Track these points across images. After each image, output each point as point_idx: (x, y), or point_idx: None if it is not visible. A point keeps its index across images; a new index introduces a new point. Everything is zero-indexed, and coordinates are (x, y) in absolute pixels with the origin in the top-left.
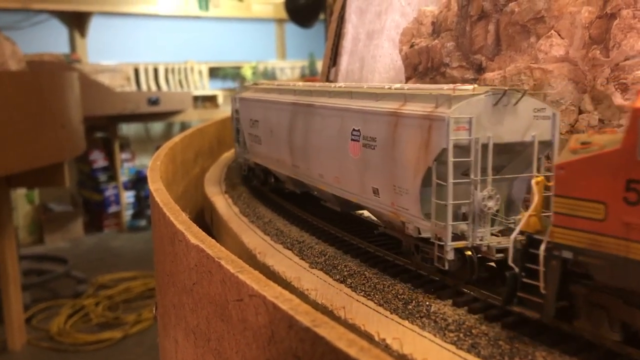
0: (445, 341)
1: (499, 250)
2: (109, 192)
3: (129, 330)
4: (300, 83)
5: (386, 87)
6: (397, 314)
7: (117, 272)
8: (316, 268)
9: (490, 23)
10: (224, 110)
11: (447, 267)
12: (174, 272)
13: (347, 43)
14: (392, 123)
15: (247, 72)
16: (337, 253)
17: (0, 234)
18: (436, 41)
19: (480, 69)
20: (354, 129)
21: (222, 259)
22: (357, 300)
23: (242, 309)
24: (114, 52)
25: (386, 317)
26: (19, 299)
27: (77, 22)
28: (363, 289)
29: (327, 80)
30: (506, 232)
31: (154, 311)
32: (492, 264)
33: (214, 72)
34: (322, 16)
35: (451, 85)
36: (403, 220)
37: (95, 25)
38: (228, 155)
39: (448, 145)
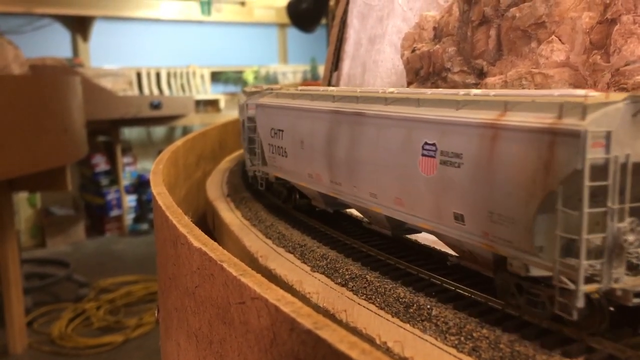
0: (446, 344)
1: (636, 295)
2: (111, 195)
3: (130, 334)
4: (339, 87)
5: (461, 93)
6: (398, 317)
7: (118, 275)
8: (318, 271)
9: (492, 28)
10: (226, 115)
11: (575, 317)
12: (176, 275)
13: (349, 48)
14: (487, 137)
15: (249, 77)
16: (339, 257)
17: (2, 237)
18: (438, 46)
19: (481, 74)
20: (426, 143)
21: (225, 262)
22: (359, 304)
23: (244, 312)
24: (116, 56)
25: (387, 320)
26: (21, 302)
27: (79, 26)
28: (364, 292)
29: (329, 84)
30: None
31: (155, 314)
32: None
33: (216, 77)
34: (324, 21)
35: (572, 91)
36: (503, 254)
37: (97, 30)
38: (230, 159)
39: (584, 166)
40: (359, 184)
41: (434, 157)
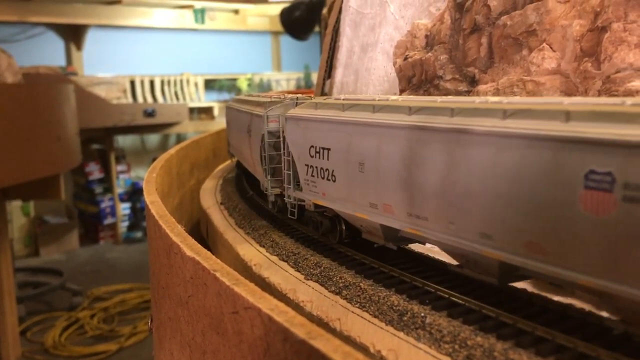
0: (440, 352)
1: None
2: (105, 204)
3: (124, 342)
4: (414, 97)
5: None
6: (392, 326)
7: (112, 284)
8: (311, 280)
9: (483, 36)
10: (220, 122)
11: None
12: (169, 284)
13: (341, 56)
14: None
15: (243, 84)
16: (333, 265)
17: None
18: (430, 54)
19: (473, 82)
20: (593, 172)
21: (218, 271)
22: (353, 312)
23: (238, 322)
24: (110, 64)
25: (381, 328)
26: (14, 311)
27: (73, 35)
28: (358, 300)
29: (322, 92)
30: None
31: (149, 324)
32: None
33: (210, 84)
34: (317, 29)
35: None
36: None
37: (91, 38)
38: (223, 167)
39: None
40: (460, 220)
41: (609, 191)
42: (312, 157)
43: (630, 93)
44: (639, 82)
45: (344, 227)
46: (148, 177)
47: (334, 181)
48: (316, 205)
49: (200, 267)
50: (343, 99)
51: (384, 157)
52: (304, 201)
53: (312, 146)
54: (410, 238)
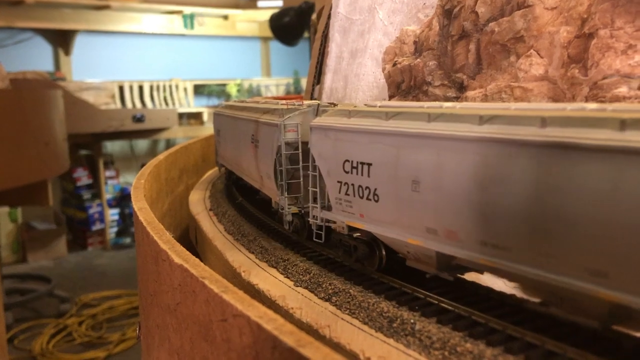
0: (430, 359)
1: None
2: (93, 209)
3: (112, 349)
4: (479, 104)
5: None
6: (382, 332)
7: (101, 290)
8: (301, 286)
9: (471, 42)
10: (209, 127)
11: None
12: (157, 291)
13: (330, 61)
14: None
15: (232, 90)
16: (322, 271)
17: None
18: (418, 60)
19: (461, 88)
20: None
21: (206, 278)
22: (342, 319)
23: (226, 330)
24: (98, 70)
25: (371, 335)
26: (1, 318)
27: (61, 40)
28: (348, 307)
29: (312, 98)
30: None
31: (137, 331)
32: None
33: (199, 90)
34: (306, 34)
35: None
36: None
37: (79, 43)
38: (213, 172)
39: None
40: (562, 253)
41: None
42: (346, 172)
43: (617, 99)
44: (625, 88)
45: (383, 253)
46: (136, 183)
47: (377, 201)
48: (350, 228)
49: (189, 274)
50: (380, 106)
51: (447, 175)
52: (332, 222)
53: (347, 160)
54: (470, 267)
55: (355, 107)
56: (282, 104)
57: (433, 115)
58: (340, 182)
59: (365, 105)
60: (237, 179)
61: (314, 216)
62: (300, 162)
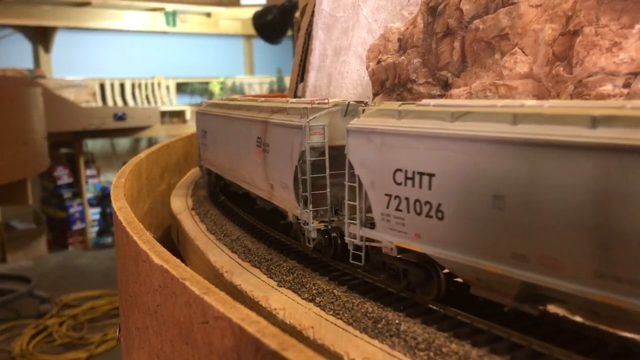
0: None
1: None
2: (74, 209)
3: (94, 350)
4: (575, 102)
5: None
6: (366, 333)
7: (82, 290)
8: (284, 286)
9: (456, 40)
10: (192, 126)
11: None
12: (137, 293)
13: (314, 59)
14: None
15: (215, 88)
16: (306, 271)
17: None
18: (403, 57)
19: (446, 85)
20: None
21: (187, 279)
22: (326, 320)
23: (208, 332)
24: (79, 67)
25: (355, 336)
26: None
27: (41, 37)
28: (332, 307)
29: (295, 96)
30: None
31: (117, 333)
32: None
33: (182, 88)
34: (289, 32)
35: None
36: None
37: (59, 41)
38: (195, 171)
39: None
40: None
41: None
42: (398, 184)
43: (602, 97)
44: (610, 86)
45: (442, 277)
46: (116, 182)
47: (441, 218)
48: (400, 249)
49: (169, 275)
50: (435, 105)
51: (547, 190)
52: (376, 242)
53: (400, 170)
54: (558, 298)
55: (401, 106)
56: (304, 102)
57: (520, 116)
58: (389, 196)
59: (416, 104)
60: (226, 185)
61: (351, 234)
62: (327, 170)
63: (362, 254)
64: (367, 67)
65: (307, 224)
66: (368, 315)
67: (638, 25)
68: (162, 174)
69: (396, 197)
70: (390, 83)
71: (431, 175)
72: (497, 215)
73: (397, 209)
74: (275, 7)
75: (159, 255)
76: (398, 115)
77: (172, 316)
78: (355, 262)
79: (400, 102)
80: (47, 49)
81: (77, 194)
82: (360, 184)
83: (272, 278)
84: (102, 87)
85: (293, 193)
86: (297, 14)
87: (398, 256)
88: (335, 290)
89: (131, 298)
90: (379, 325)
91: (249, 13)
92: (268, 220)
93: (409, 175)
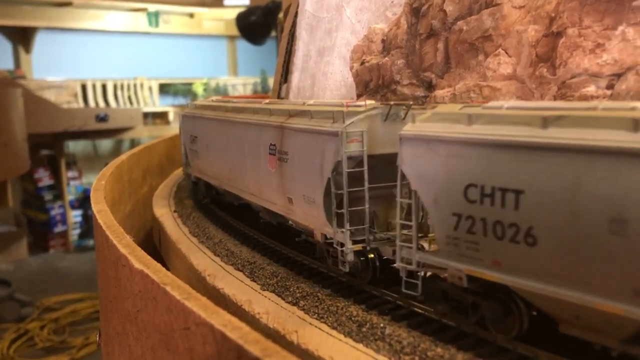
0: None
1: None
2: (55, 211)
3: (75, 354)
4: None
5: None
6: (351, 337)
7: (63, 293)
8: (268, 290)
9: (439, 41)
10: (175, 127)
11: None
12: (117, 297)
13: (298, 60)
14: None
15: (199, 89)
16: (290, 274)
17: None
18: (386, 58)
19: (430, 87)
20: None
21: (168, 284)
22: (310, 324)
23: (189, 338)
24: (60, 68)
25: (340, 340)
26: None
27: (21, 37)
28: (316, 311)
29: (279, 97)
30: None
31: (97, 338)
32: None
33: (165, 89)
34: (273, 33)
35: None
36: None
37: (40, 41)
38: (178, 173)
39: None
40: None
41: None
42: (471, 202)
43: (585, 98)
44: (593, 87)
45: (525, 314)
46: (96, 184)
47: (531, 244)
48: (471, 279)
49: (150, 280)
50: (509, 108)
51: None
52: (438, 269)
53: (474, 185)
54: None
55: (462, 109)
56: (333, 105)
57: None
58: (459, 215)
59: (481, 107)
60: (218, 195)
61: (404, 259)
62: (366, 184)
63: (419, 282)
64: (351, 68)
65: (343, 246)
66: (352, 318)
67: (621, 26)
68: (144, 176)
69: (468, 217)
70: (374, 84)
71: (518, 192)
72: (614, 242)
73: (470, 232)
74: (259, 8)
75: (139, 260)
76: (468, 120)
77: (152, 322)
78: (409, 292)
79: (462, 105)
80: (28, 50)
81: (59, 196)
82: (417, 201)
83: (255, 281)
84: (83, 88)
85: (322, 209)
86: (281, 15)
87: (467, 287)
88: (319, 294)
89: (111, 303)
90: (364, 329)
91: (233, 14)
92: (270, 232)
93: (487, 191)
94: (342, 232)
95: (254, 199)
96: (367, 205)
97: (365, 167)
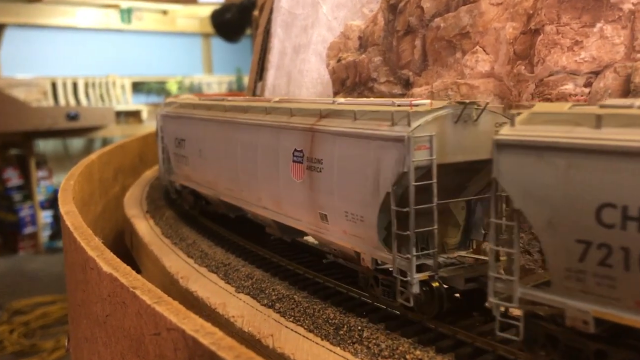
0: None
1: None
2: (25, 212)
3: (46, 358)
4: None
5: None
6: (328, 340)
7: (33, 296)
8: (243, 292)
9: (417, 38)
10: (148, 126)
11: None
12: (85, 302)
13: (273, 57)
14: None
15: (173, 87)
16: (265, 276)
17: None
18: (363, 56)
19: (407, 84)
20: None
21: (138, 288)
22: (286, 327)
23: (160, 344)
24: (29, 65)
25: (317, 344)
26: None
27: None
28: (292, 314)
29: (254, 95)
30: None
31: (66, 344)
32: None
33: (138, 87)
34: (248, 31)
35: None
36: None
37: (9, 38)
38: (151, 172)
39: None
40: None
41: None
42: (606, 226)
43: (563, 96)
44: (571, 85)
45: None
46: (65, 184)
47: None
48: (599, 322)
49: (119, 283)
50: None
51: None
52: (552, 309)
53: (610, 205)
54: None
55: (572, 108)
56: (384, 104)
57: None
58: (587, 243)
59: (600, 105)
60: (207, 204)
61: (499, 294)
62: (435, 199)
63: (520, 324)
64: (327, 66)
65: (408, 275)
66: (330, 321)
67: (599, 24)
68: (116, 176)
69: (602, 245)
70: (350, 82)
71: None
72: None
73: (603, 264)
74: (234, 5)
75: (108, 263)
76: (595, 122)
77: (122, 327)
78: (506, 335)
79: (571, 104)
80: None
81: (28, 196)
82: (519, 223)
83: (229, 284)
84: (53, 85)
85: (375, 229)
86: (256, 12)
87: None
88: (295, 296)
89: (79, 307)
90: (341, 332)
91: (207, 11)
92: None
93: (632, 213)
94: (406, 258)
95: (266, 213)
96: (436, 225)
97: (434, 180)
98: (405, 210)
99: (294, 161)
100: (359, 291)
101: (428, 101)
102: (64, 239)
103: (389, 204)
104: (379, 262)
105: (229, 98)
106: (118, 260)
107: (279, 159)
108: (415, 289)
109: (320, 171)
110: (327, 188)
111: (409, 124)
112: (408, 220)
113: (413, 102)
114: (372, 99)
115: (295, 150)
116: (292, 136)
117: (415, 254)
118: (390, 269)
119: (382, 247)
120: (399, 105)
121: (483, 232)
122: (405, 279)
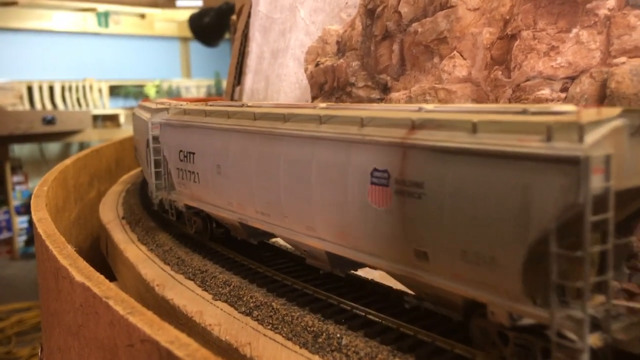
0: None
1: None
2: (0, 217)
3: None
4: None
5: None
6: (306, 348)
7: (9, 302)
8: (220, 300)
9: (395, 43)
10: (126, 130)
11: None
12: (58, 311)
13: (251, 62)
14: None
15: (151, 91)
16: (243, 283)
17: None
18: (341, 60)
19: (386, 89)
20: None
21: (111, 298)
22: (264, 335)
23: (134, 356)
24: (4, 69)
25: (295, 352)
26: None
27: None
28: (270, 321)
29: (232, 99)
30: None
31: (39, 353)
32: None
33: (115, 91)
34: (227, 35)
35: None
36: None
37: None
38: (127, 177)
39: None
40: None
41: None
42: None
43: (539, 101)
44: (548, 90)
45: None
46: (38, 191)
47: None
48: None
49: (91, 293)
50: None
51: None
52: None
53: None
54: None
55: None
56: (511, 111)
57: None
58: None
59: None
60: (218, 228)
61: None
62: (611, 238)
63: None
64: (306, 70)
65: (573, 339)
66: (308, 329)
67: (575, 29)
68: (91, 181)
69: None
70: (329, 86)
71: None
72: None
73: None
74: (212, 10)
75: (81, 272)
76: None
77: (95, 337)
78: None
79: None
80: None
81: (3, 201)
82: None
83: (207, 291)
84: (29, 89)
85: (517, 276)
86: (234, 16)
87: None
88: (273, 303)
89: (52, 316)
90: (320, 340)
91: (185, 15)
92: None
93: None
94: (569, 316)
95: (321, 245)
96: (611, 273)
97: (611, 213)
98: (577, 254)
99: (372, 183)
100: (337, 298)
101: (574, 107)
102: (36, 246)
103: (543, 244)
104: (514, 316)
105: (220, 103)
106: (91, 269)
107: (347, 180)
108: (586, 359)
109: (420, 197)
110: (432, 219)
111: (580, 139)
112: (569, 267)
113: (580, 107)
114: (494, 105)
115: (375, 170)
116: (368, 152)
117: (589, 312)
118: (526, 325)
119: (527, 300)
120: (541, 114)
121: (627, 272)
122: (566, 344)
